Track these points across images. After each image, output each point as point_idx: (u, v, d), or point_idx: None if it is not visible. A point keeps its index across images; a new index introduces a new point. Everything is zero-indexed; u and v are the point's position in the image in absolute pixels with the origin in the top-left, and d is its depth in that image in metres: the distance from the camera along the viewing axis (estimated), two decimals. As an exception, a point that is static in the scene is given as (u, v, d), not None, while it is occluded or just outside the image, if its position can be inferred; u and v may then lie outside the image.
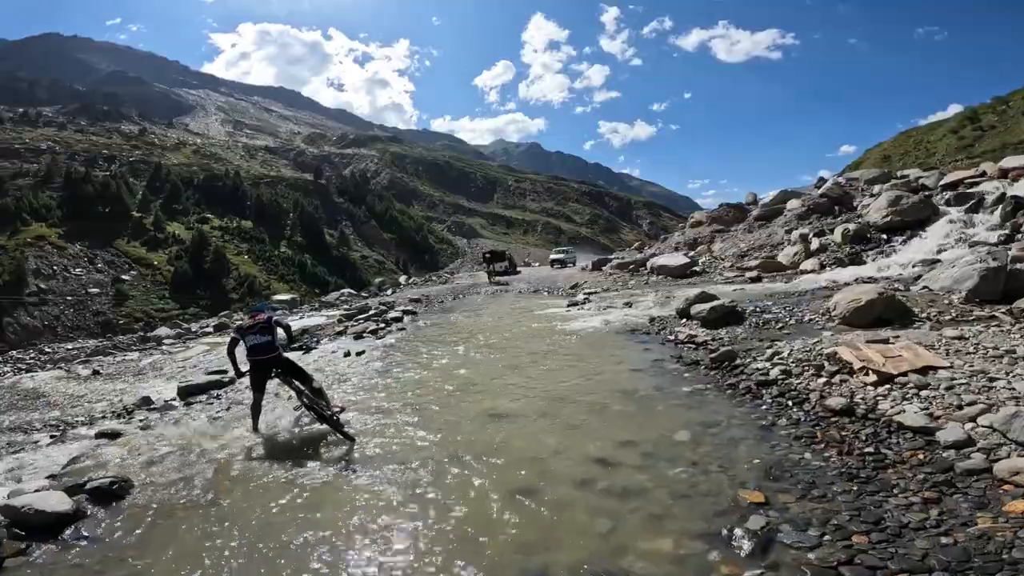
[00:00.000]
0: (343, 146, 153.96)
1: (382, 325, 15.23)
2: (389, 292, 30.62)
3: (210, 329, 23.74)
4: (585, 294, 17.85)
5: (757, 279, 15.68)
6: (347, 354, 11.24)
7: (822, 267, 15.46)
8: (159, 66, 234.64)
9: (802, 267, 16.18)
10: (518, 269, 39.52)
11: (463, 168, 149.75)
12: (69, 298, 41.80)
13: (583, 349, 9.84)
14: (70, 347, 26.58)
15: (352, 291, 35.61)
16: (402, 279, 47.35)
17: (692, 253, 22.48)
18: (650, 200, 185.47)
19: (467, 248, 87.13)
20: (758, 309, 10.24)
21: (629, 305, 13.70)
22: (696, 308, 10.31)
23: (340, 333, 14.85)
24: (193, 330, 24.48)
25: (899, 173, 23.85)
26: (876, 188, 20.56)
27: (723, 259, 20.09)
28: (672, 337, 9.62)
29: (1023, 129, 44.10)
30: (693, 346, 8.79)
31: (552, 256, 43.49)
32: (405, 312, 17.74)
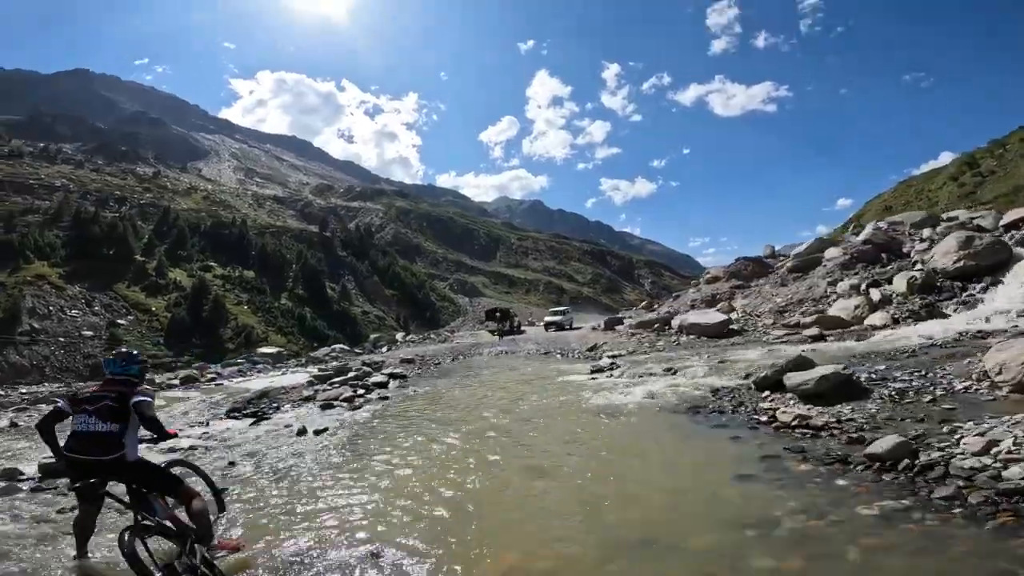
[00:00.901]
0: (350, 199, 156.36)
1: (360, 391, 13.34)
2: (384, 349, 29.69)
3: (176, 382, 21.78)
4: (609, 358, 15.89)
5: (819, 337, 13.84)
6: (302, 431, 9.28)
7: (895, 322, 13.73)
8: (179, 108, 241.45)
9: (868, 322, 14.48)
10: (523, 328, 38.49)
11: (467, 225, 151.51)
12: (61, 339, 41.15)
13: (635, 436, 7.72)
14: (40, 389, 26.17)
15: (346, 347, 34.80)
16: (399, 336, 45.93)
17: (722, 309, 20.92)
18: (651, 259, 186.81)
19: (469, 307, 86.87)
20: (875, 377, 8.35)
21: (672, 372, 11.84)
22: (794, 378, 8.22)
23: (308, 399, 13.00)
24: (156, 381, 22.43)
25: (945, 215, 22.54)
26: (925, 232, 19.26)
27: (757, 316, 18.63)
28: (763, 418, 7.48)
29: (1022, 173, 44.07)
30: (807, 431, 6.62)
31: (547, 319, 37.34)
32: (392, 375, 15.90)
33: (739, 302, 21.20)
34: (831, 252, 20.69)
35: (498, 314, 39.24)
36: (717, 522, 4.35)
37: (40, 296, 45.46)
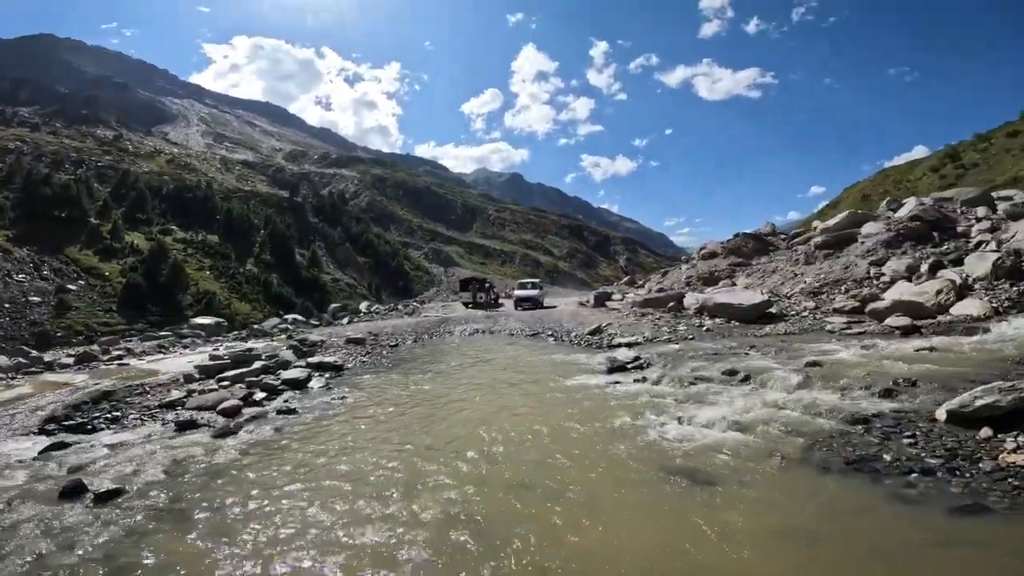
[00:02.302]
0: (324, 165, 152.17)
1: (259, 395, 9.65)
2: (345, 320, 27.78)
3: (69, 361, 17.35)
4: (625, 344, 13.11)
5: (911, 329, 11.42)
6: (74, 491, 5.47)
7: (996, 312, 11.64)
8: (147, 73, 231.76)
9: (958, 311, 12.32)
10: (500, 301, 34.11)
11: (444, 195, 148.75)
12: (7, 306, 38.76)
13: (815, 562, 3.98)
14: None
15: (300, 317, 32.31)
16: (363, 306, 42.05)
17: (726, 288, 18.82)
18: (628, 236, 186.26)
19: (443, 276, 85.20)
20: None
21: (742, 379, 8.89)
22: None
23: (171, 405, 9.41)
24: (45, 360, 17.48)
25: (997, 194, 20.96)
26: (980, 211, 17.84)
27: (787, 297, 16.31)
28: None
29: (1006, 167, 43.93)
30: None
31: (516, 293, 30.05)
32: (321, 367, 12.11)
33: (741, 280, 19.84)
34: (869, 228, 18.55)
35: (467, 283, 35.80)
36: None
37: (-16, 260, 42.82)
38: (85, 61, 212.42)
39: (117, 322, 40.47)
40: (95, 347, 21.69)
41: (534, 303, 27.89)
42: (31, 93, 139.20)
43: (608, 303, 22.87)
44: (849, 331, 12.35)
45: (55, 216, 51.60)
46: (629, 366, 11.02)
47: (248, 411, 9.17)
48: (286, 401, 9.77)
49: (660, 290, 22.05)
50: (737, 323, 14.70)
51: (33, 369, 16.51)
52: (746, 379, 9.06)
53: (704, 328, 14.68)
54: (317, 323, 29.65)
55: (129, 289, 44.43)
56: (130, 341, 24.51)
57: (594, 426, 7.78)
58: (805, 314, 14.76)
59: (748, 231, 25.61)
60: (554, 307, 26.50)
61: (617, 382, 10.06)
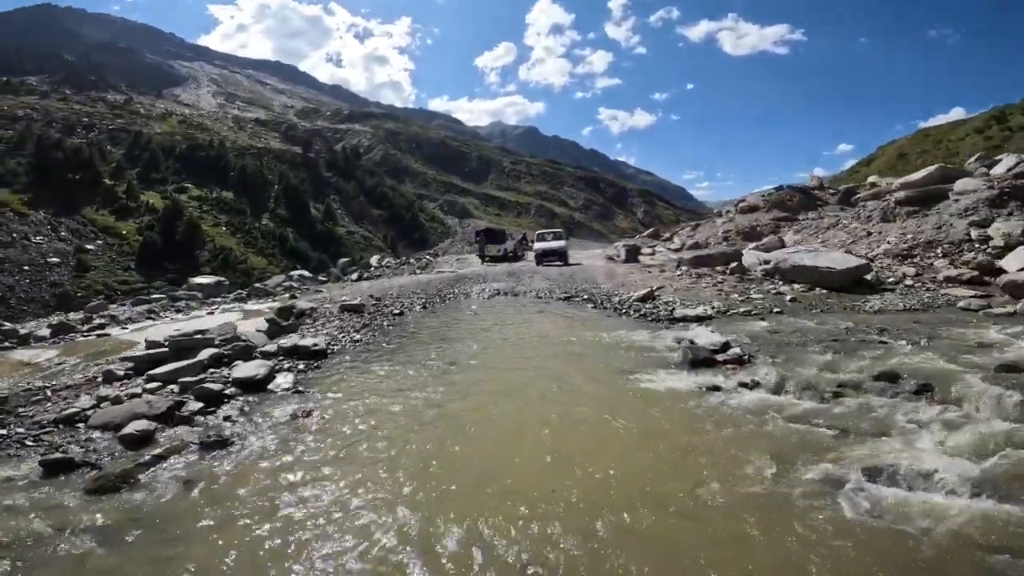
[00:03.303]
0: (337, 121, 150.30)
1: (198, 406, 6.81)
2: (354, 277, 25.42)
3: (44, 332, 14.91)
4: (693, 318, 10.50)
5: None
6: None
7: None
8: (153, 37, 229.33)
9: None
10: (523, 253, 29.92)
11: (458, 148, 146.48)
12: (26, 268, 39.14)
13: None
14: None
15: (308, 274, 29.98)
16: (373, 260, 37.85)
17: (770, 244, 16.78)
18: (645, 188, 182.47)
19: (458, 227, 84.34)
20: None
21: (921, 393, 6.28)
22: None
23: (71, 420, 6.69)
24: (21, 332, 15.10)
25: None
26: None
27: (869, 260, 13.89)
28: None
29: None
30: None
31: (537, 246, 25.27)
32: (296, 354, 8.91)
33: (789, 236, 18.23)
34: (964, 184, 16.29)
35: (483, 234, 31.39)
36: None
37: (2, 224, 43.05)
38: (89, 29, 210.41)
39: (135, 280, 40.75)
40: (75, 315, 19.30)
41: (560, 257, 23.33)
42: (37, 62, 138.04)
43: (640, 258, 20.40)
44: (992, 310, 10.20)
45: (69, 178, 51.61)
46: (719, 357, 7.83)
47: (166, 435, 6.16)
48: (227, 418, 6.58)
49: (695, 244, 20.40)
50: (824, 291, 12.14)
51: (6, 344, 13.83)
52: (922, 392, 6.24)
53: (789, 298, 11.91)
54: (325, 279, 27.53)
55: (146, 247, 44.57)
56: (125, 304, 22.38)
57: (735, 495, 4.67)
58: (909, 283, 12.43)
59: (793, 184, 23.62)
60: (579, 263, 22.51)
61: (714, 387, 6.89)
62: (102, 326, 16.12)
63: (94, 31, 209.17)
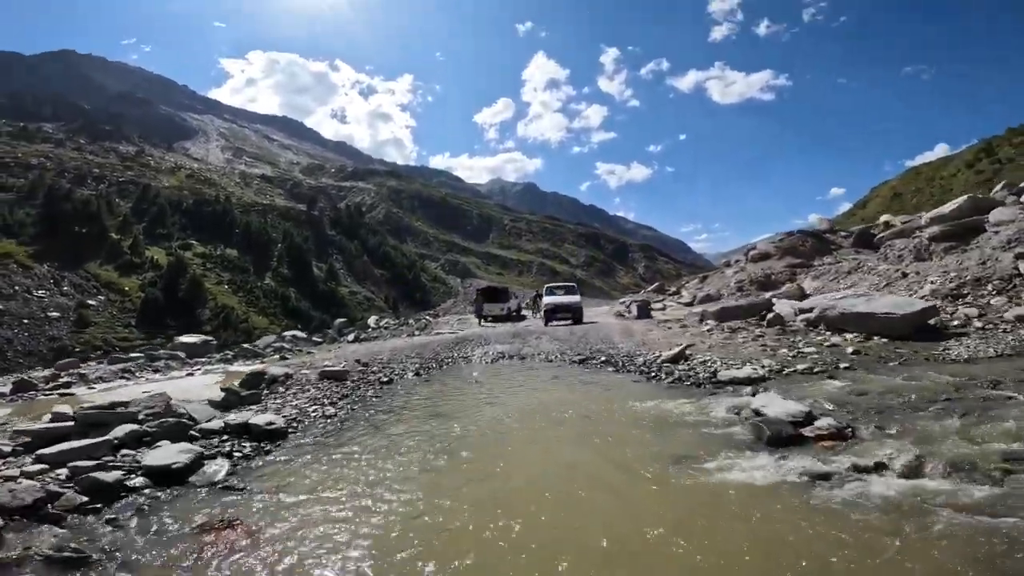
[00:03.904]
0: (341, 179, 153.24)
1: (81, 500, 5.02)
2: (350, 337, 24.40)
3: (4, 390, 14.07)
4: (743, 380, 8.81)
5: None
6: None
7: None
8: (167, 88, 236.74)
9: None
10: (524, 312, 29.97)
11: (459, 205, 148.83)
12: (26, 321, 38.81)
13: None
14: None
15: (302, 334, 28.00)
16: (371, 321, 36.33)
17: (790, 292, 16.14)
18: (645, 243, 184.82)
19: (460, 288, 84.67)
20: None
21: None
22: None
23: None
24: None
25: None
26: None
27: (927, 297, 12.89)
28: None
29: None
30: None
31: (547, 301, 21.95)
32: (245, 433, 7.25)
33: (808, 283, 17.20)
34: (999, 214, 15.35)
35: (482, 292, 30.10)
36: None
37: (5, 276, 42.97)
38: (107, 77, 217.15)
39: (136, 337, 40.34)
40: (40, 372, 18.19)
41: (574, 314, 20.26)
42: (55, 108, 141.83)
43: (653, 313, 19.46)
44: None
45: (76, 231, 51.91)
46: (806, 432, 6.08)
47: (20, 536, 4.50)
48: (112, 521, 4.82)
49: (707, 297, 19.75)
50: (884, 340, 10.71)
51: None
52: None
53: (851, 351, 10.20)
54: (320, 340, 26.19)
55: (148, 304, 44.37)
56: (103, 362, 21.28)
57: None
58: (978, 324, 11.15)
59: (804, 228, 23.31)
60: (591, 322, 20.51)
61: (821, 476, 5.03)
62: (68, 384, 14.82)
63: (112, 80, 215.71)
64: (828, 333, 11.87)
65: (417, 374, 12.05)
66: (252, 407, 8.94)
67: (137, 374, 17.20)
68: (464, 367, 12.89)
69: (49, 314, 40.29)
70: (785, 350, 10.98)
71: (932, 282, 13.54)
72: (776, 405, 6.88)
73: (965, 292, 12.61)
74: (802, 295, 16.24)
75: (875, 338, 10.98)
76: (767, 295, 16.59)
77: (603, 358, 12.40)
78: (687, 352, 11.24)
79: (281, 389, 10.24)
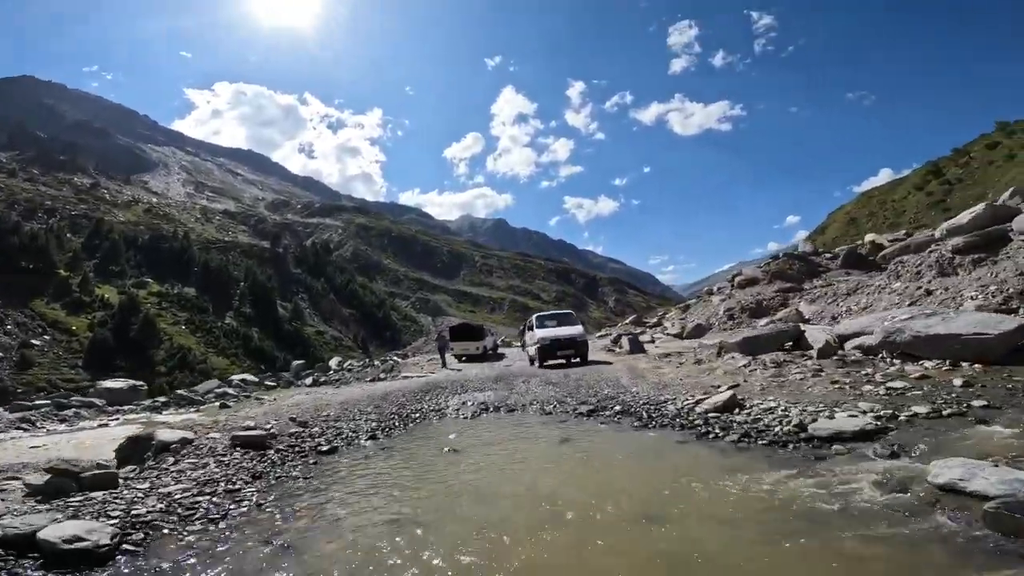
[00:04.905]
0: (307, 215, 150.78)
1: None
2: (308, 381, 21.05)
3: None
4: (851, 435, 6.33)
5: None
6: None
7: None
8: (127, 118, 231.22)
9: None
10: (500, 350, 27.12)
11: (429, 243, 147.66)
12: (-40, 365, 35.62)
13: None
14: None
15: (253, 377, 24.84)
16: (333, 362, 31.01)
17: (788, 317, 15.29)
18: (615, 277, 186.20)
19: (431, 326, 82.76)
20: None
21: None
22: None
23: None
24: None
25: None
26: None
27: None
28: None
29: (992, 178, 43.13)
30: None
31: (539, 335, 17.10)
32: (27, 555, 3.99)
33: (806, 307, 16.27)
34: (1022, 222, 14.45)
35: (453, 330, 26.11)
36: None
37: (-61, 314, 39.79)
38: (66, 105, 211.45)
39: (82, 378, 37.35)
40: None
41: (576, 349, 16.19)
42: (9, 137, 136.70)
43: (647, 347, 17.51)
44: None
45: (22, 267, 48.74)
46: None
47: None
48: None
49: (698, 327, 19.00)
50: (978, 367, 9.08)
51: None
52: None
53: (959, 383, 8.04)
54: (274, 383, 22.73)
55: (96, 344, 41.41)
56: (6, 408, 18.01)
57: None
58: None
59: (790, 252, 23.03)
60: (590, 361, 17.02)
61: None
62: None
63: (71, 108, 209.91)
64: (898, 362, 9.88)
65: (373, 437, 9.03)
66: (95, 496, 5.64)
67: (38, 424, 14.56)
68: (436, 424, 10.10)
69: (-14, 356, 37.14)
70: (870, 386, 8.61)
71: (972, 297, 12.18)
72: (988, 476, 4.37)
73: (1014, 305, 11.37)
74: (800, 319, 15.24)
75: (962, 364, 9.22)
76: (762, 322, 15.83)
77: (617, 407, 9.75)
78: (739, 397, 8.75)
79: (170, 461, 7.34)
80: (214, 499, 5.78)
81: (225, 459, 7.36)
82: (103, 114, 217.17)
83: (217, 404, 16.22)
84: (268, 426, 9.33)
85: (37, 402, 17.80)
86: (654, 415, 8.94)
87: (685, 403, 9.19)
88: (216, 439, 8.43)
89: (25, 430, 13.29)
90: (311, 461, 7.51)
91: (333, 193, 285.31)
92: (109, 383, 22.81)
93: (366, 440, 8.82)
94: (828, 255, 22.75)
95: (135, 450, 7.82)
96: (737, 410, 8.24)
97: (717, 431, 7.56)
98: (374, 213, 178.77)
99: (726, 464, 6.25)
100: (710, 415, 8.28)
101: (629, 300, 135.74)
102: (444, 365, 21.06)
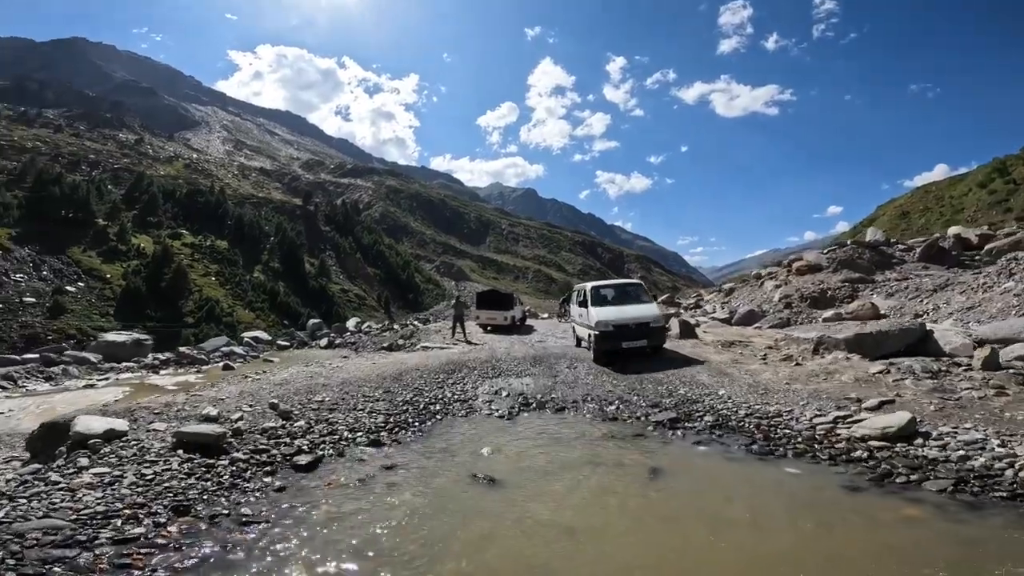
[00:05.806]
0: (340, 175, 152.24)
1: None
2: (323, 342, 20.92)
3: None
4: None
5: None
6: None
7: None
8: (173, 79, 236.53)
9: None
10: (528, 321, 25.01)
11: (457, 208, 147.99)
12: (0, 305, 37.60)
13: None
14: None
15: (265, 335, 25.00)
16: (350, 324, 29.96)
17: (859, 312, 13.47)
18: (642, 254, 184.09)
19: (454, 290, 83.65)
20: None
21: None
22: None
23: None
24: None
25: None
26: None
27: None
28: None
29: None
30: None
31: (596, 315, 12.19)
32: None
33: (881, 301, 14.65)
34: None
35: (486, 301, 22.84)
36: None
37: (-17, 258, 41.90)
38: (114, 65, 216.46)
39: (113, 327, 39.11)
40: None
41: (650, 339, 12.11)
42: (57, 95, 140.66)
43: (698, 332, 14.97)
44: None
45: (62, 216, 50.75)
46: None
47: None
48: None
49: (750, 313, 17.09)
50: None
51: None
52: None
53: None
54: (288, 343, 21.89)
55: (129, 293, 43.18)
56: None
57: None
58: None
59: (862, 239, 21.33)
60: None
61: None
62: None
63: (120, 68, 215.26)
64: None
65: (376, 442, 6.90)
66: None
67: (19, 383, 13.38)
68: (462, 425, 7.90)
69: (24, 299, 39.08)
70: None
71: None
72: None
73: None
74: (876, 315, 13.79)
75: None
76: (826, 314, 14.46)
77: (708, 417, 7.57)
78: (946, 428, 6.30)
79: (82, 463, 5.41)
80: (81, 557, 3.70)
81: (154, 469, 5.39)
82: (150, 74, 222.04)
83: (220, 365, 15.78)
84: (236, 416, 7.25)
85: (26, 356, 17.04)
86: (772, 436, 6.73)
87: (816, 420, 6.97)
88: (158, 432, 6.47)
89: (4, 388, 12.60)
90: (276, 485, 5.40)
91: (366, 155, 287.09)
92: (112, 336, 21.82)
93: (366, 444, 6.84)
94: (901, 247, 21.24)
95: (48, 443, 6.40)
96: (923, 441, 6.04)
97: (903, 471, 5.43)
98: (404, 176, 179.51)
99: (965, 535, 4.03)
100: (871, 443, 6.19)
101: (655, 278, 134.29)
102: (465, 337, 18.40)
